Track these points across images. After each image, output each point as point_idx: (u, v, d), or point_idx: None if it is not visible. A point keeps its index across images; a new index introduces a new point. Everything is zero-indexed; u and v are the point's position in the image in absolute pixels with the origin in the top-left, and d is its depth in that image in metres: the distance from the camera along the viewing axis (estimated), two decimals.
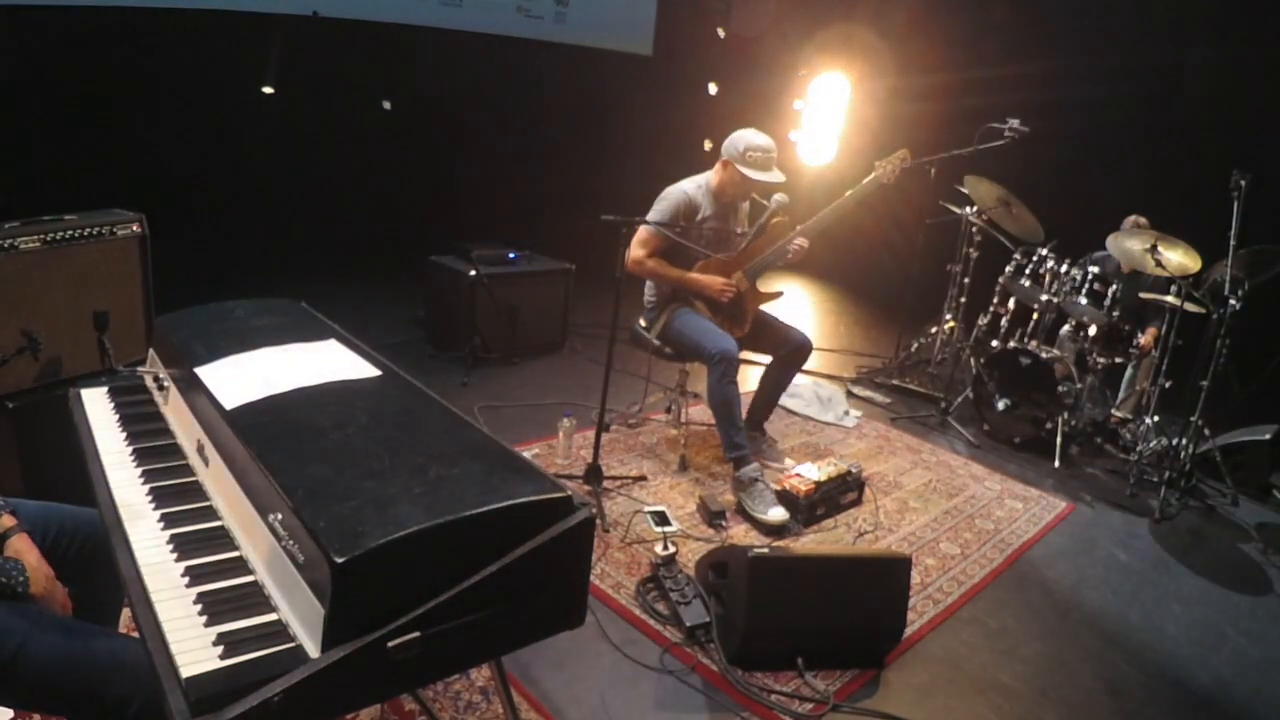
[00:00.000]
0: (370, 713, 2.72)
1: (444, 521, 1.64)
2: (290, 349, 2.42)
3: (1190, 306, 5.16)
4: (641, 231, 4.59)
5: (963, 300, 6.64)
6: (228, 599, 1.73)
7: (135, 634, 1.71)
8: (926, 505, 4.83)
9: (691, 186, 4.68)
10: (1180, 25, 7.40)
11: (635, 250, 4.60)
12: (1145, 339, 5.76)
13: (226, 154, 6.58)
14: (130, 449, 2.31)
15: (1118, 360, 5.88)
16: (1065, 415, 5.62)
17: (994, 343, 6.19)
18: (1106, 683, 3.49)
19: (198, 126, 6.38)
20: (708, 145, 8.27)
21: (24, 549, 2.03)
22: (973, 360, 6.19)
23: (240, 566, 1.84)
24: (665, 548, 3.68)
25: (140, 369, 2.71)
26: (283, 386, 2.16)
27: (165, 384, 2.51)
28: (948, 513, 4.78)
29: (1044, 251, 5.99)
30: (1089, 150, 7.61)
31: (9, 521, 2.05)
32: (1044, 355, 5.64)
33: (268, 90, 6.80)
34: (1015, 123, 5.98)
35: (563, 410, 4.88)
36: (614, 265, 4.19)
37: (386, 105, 7.44)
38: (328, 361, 2.35)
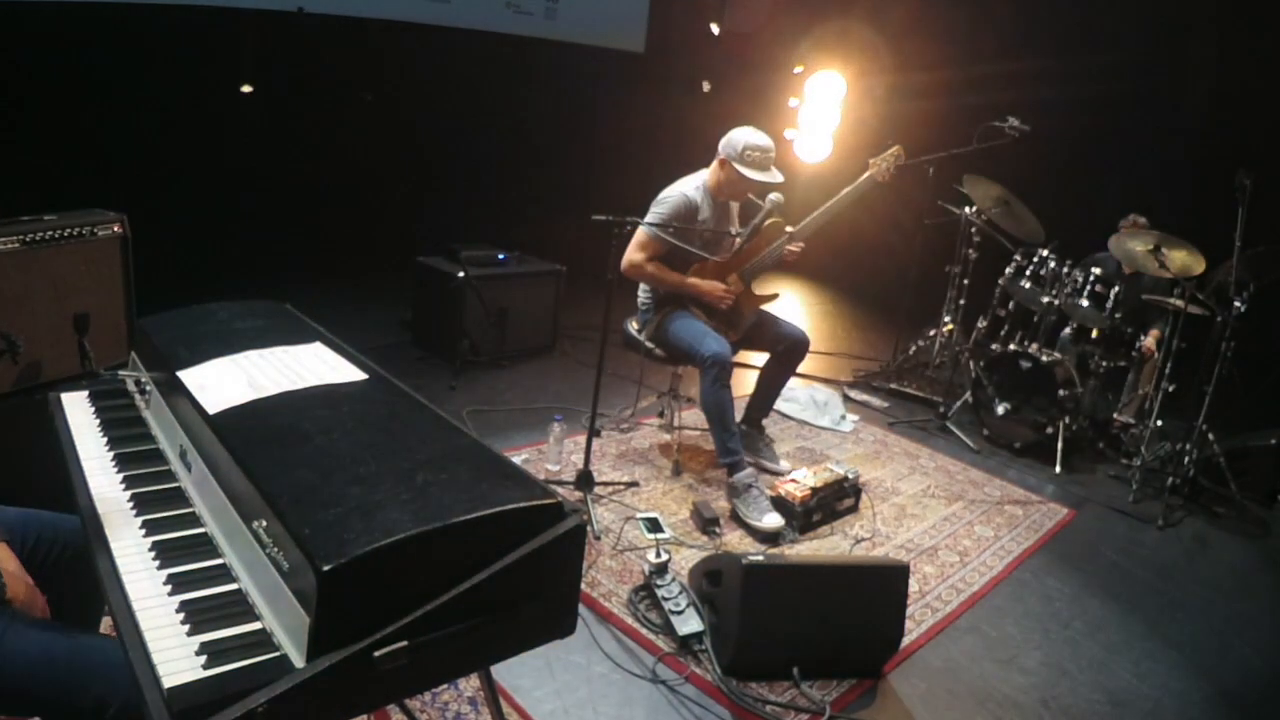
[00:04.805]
0: None
1: (432, 528, 1.60)
2: (275, 352, 2.37)
3: (1194, 309, 5.12)
4: (640, 234, 4.53)
5: (962, 302, 6.58)
6: (211, 607, 1.68)
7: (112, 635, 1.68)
8: (925, 511, 4.79)
9: (690, 188, 4.62)
10: (1183, 21, 7.37)
11: (634, 254, 4.54)
12: (1148, 342, 5.74)
13: (210, 153, 6.53)
14: (111, 454, 2.25)
15: (1120, 363, 5.86)
16: (1066, 419, 5.58)
17: (994, 345, 6.19)
18: (1109, 693, 3.45)
19: (180, 124, 6.33)
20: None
21: (3, 557, 1.99)
22: (972, 363, 6.16)
23: (223, 574, 1.80)
24: (658, 555, 3.63)
25: (121, 372, 2.66)
26: (267, 390, 2.12)
27: (147, 388, 2.46)
28: (946, 519, 4.74)
29: (1045, 252, 5.96)
30: (1091, 149, 7.60)
31: None
32: (1045, 358, 5.61)
33: (247, 89, 6.75)
34: (1015, 121, 5.95)
35: (553, 415, 4.82)
36: (605, 266, 4.14)
37: (368, 97, 7.39)
38: (313, 365, 2.30)
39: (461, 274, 5.81)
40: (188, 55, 6.27)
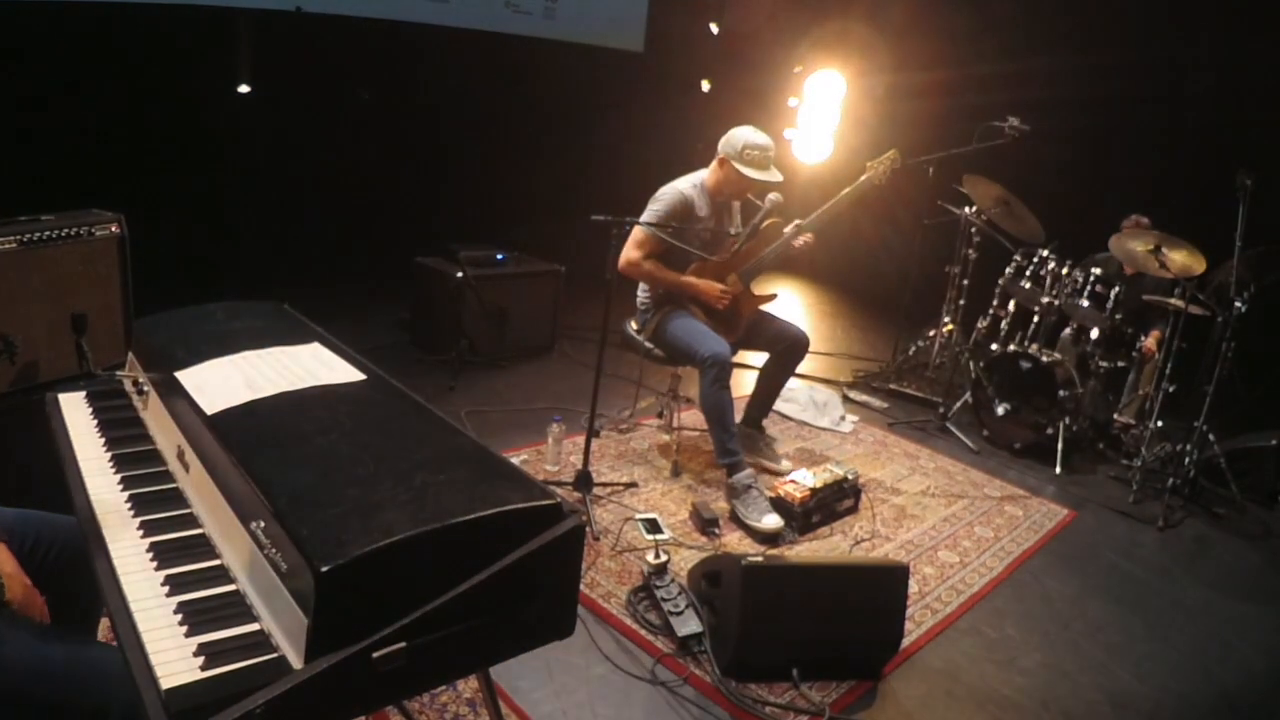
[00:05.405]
0: None
1: (430, 529, 1.60)
2: (272, 352, 2.36)
3: (1195, 309, 5.11)
4: (637, 232, 4.53)
5: (961, 303, 6.57)
6: (209, 608, 1.68)
7: (113, 643, 1.67)
8: (924, 512, 4.78)
9: (687, 186, 4.62)
10: (1184, 21, 7.36)
11: (631, 251, 4.53)
12: (1149, 342, 5.73)
13: (207, 153, 6.51)
14: (109, 455, 2.25)
15: (1120, 364, 5.85)
16: (1066, 420, 5.57)
17: (993, 346, 6.17)
18: (1109, 695, 3.44)
19: (178, 124, 6.32)
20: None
21: (1, 558, 1.98)
22: (972, 364, 6.14)
23: (221, 575, 1.79)
24: (657, 556, 3.62)
25: (119, 373, 2.65)
26: (265, 391, 2.11)
27: (145, 388, 2.45)
28: (946, 520, 4.73)
29: (1045, 253, 5.95)
30: (1091, 149, 7.57)
31: None
32: (1045, 359, 5.60)
33: (244, 89, 6.75)
34: (1015, 121, 5.94)
35: (552, 415, 4.82)
36: (604, 267, 4.14)
37: (365, 95, 7.39)
38: (311, 365, 2.29)
39: (460, 274, 5.80)
40: (185, 55, 6.26)
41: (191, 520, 1.98)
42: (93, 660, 1.88)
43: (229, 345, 2.37)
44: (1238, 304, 4.96)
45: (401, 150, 7.75)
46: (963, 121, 6.34)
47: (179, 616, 1.65)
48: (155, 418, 2.36)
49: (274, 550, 1.61)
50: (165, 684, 1.47)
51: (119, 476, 2.14)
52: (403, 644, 1.54)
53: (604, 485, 4.54)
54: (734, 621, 3.18)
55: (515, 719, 2.91)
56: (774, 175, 4.49)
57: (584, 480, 4.29)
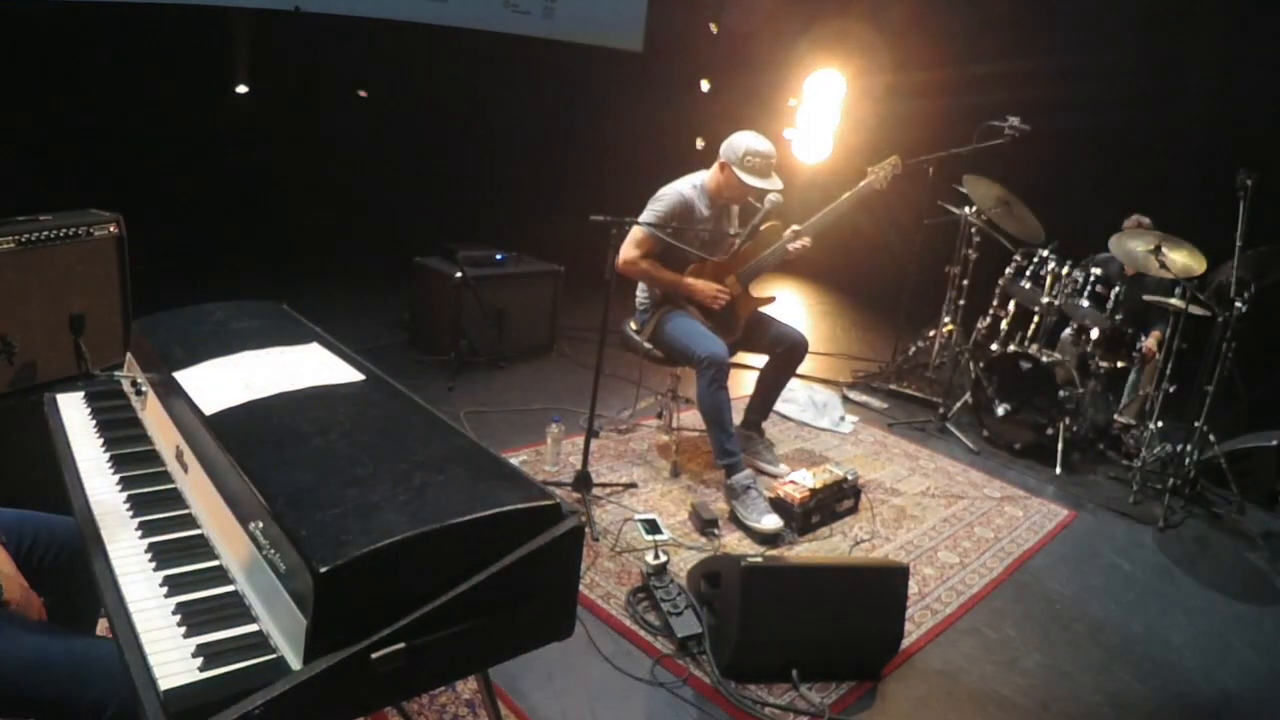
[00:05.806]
0: None
1: (429, 530, 1.60)
2: (271, 353, 2.37)
3: (1195, 309, 5.10)
4: (636, 231, 4.52)
5: (961, 303, 6.55)
6: (207, 609, 1.68)
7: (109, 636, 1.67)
8: (924, 513, 4.77)
9: (687, 187, 4.61)
10: (1183, 20, 7.36)
11: (629, 250, 4.52)
12: (1149, 343, 5.71)
13: (206, 153, 6.53)
14: (107, 455, 2.25)
15: (1120, 364, 5.84)
16: (1066, 420, 5.55)
17: (993, 346, 6.17)
18: (1109, 695, 3.44)
19: (177, 124, 6.33)
20: (700, 144, 8.23)
21: None
22: (972, 364, 6.12)
23: (220, 576, 1.80)
24: (656, 557, 3.62)
25: (117, 373, 2.65)
26: (263, 391, 2.11)
27: (143, 389, 2.45)
28: (946, 520, 4.72)
29: (1045, 253, 5.93)
30: (1092, 149, 7.57)
31: None
32: (1045, 359, 5.59)
33: (242, 89, 6.75)
34: (1015, 120, 5.93)
35: (551, 415, 4.81)
36: (604, 267, 4.13)
37: (363, 94, 7.40)
38: (310, 365, 2.29)
39: (459, 274, 5.79)
40: (184, 55, 6.27)
41: (190, 521, 1.98)
42: (89, 654, 1.87)
43: (228, 345, 2.38)
44: (1238, 304, 4.95)
45: (400, 150, 7.75)
46: (963, 121, 6.34)
47: (177, 617, 1.65)
48: (154, 418, 2.36)
49: (273, 551, 1.61)
50: (164, 685, 1.47)
51: (117, 477, 2.14)
52: (401, 645, 1.55)
53: (603, 486, 4.54)
54: (733, 622, 3.17)
55: None
56: (774, 183, 4.48)
57: (583, 481, 4.28)
